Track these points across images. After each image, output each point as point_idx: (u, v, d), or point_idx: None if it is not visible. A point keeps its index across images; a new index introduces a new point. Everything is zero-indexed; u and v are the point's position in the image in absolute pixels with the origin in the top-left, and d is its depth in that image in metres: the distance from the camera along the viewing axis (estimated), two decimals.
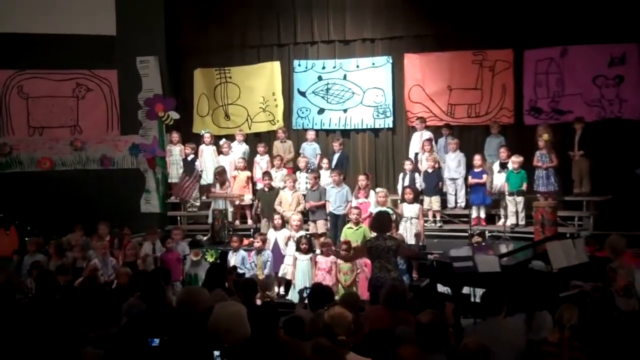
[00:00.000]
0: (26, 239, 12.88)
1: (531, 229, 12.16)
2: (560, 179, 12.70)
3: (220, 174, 13.81)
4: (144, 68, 15.05)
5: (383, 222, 9.17)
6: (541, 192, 12.55)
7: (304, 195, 12.99)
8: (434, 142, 13.82)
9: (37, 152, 14.91)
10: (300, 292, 8.19)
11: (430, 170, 13.27)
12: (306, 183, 13.32)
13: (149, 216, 14.76)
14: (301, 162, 13.84)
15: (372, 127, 15.00)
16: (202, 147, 14.74)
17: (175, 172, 14.75)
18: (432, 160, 13.27)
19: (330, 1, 15.02)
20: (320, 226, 12.69)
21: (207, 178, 14.54)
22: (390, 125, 14.90)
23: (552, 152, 12.60)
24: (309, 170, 13.52)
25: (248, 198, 13.91)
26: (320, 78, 15.30)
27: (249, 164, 14.37)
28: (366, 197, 12.58)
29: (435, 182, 13.29)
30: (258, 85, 15.64)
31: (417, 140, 14.08)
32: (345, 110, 15.16)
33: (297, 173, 13.82)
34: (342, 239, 11.35)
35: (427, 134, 13.99)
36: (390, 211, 11.43)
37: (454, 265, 8.26)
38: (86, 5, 14.72)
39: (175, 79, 15.86)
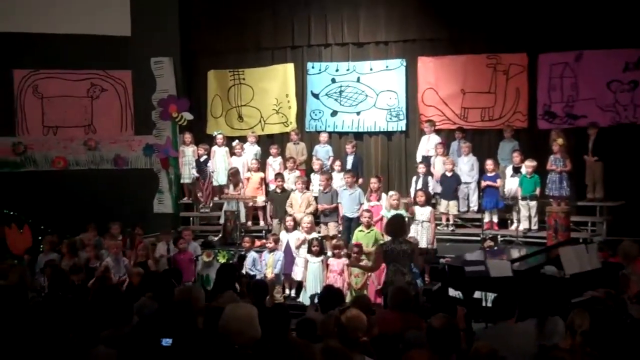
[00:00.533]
0: (39, 237, 12.96)
1: (544, 233, 12.10)
2: (572, 183, 12.65)
3: (234, 175, 13.85)
4: (158, 69, 15.13)
5: (398, 226, 9.17)
6: (553, 197, 12.52)
7: (315, 197, 13.02)
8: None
9: (51, 152, 14.99)
10: (312, 298, 8.22)
11: (449, 174, 13.24)
12: (319, 185, 13.35)
13: (162, 216, 14.82)
14: (315, 164, 13.88)
15: (385, 130, 14.98)
16: (215, 148, 14.76)
17: (187, 172, 14.79)
18: (450, 163, 13.24)
19: (344, 3, 15.02)
20: (332, 228, 12.67)
21: (219, 179, 14.58)
22: (403, 129, 14.86)
23: (566, 157, 12.56)
24: (322, 172, 13.53)
25: (261, 199, 13.93)
26: (333, 80, 15.30)
27: (261, 166, 14.39)
28: (378, 200, 12.57)
29: (454, 186, 13.26)
30: (271, 87, 15.66)
31: (425, 144, 14.09)
32: (358, 113, 15.15)
33: (311, 175, 13.87)
34: (353, 241, 11.36)
35: (436, 138, 13.98)
36: (405, 214, 11.44)
37: (465, 270, 8.25)
38: (101, 5, 14.79)
39: (189, 80, 15.92)
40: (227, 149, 14.78)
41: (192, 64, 16.01)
